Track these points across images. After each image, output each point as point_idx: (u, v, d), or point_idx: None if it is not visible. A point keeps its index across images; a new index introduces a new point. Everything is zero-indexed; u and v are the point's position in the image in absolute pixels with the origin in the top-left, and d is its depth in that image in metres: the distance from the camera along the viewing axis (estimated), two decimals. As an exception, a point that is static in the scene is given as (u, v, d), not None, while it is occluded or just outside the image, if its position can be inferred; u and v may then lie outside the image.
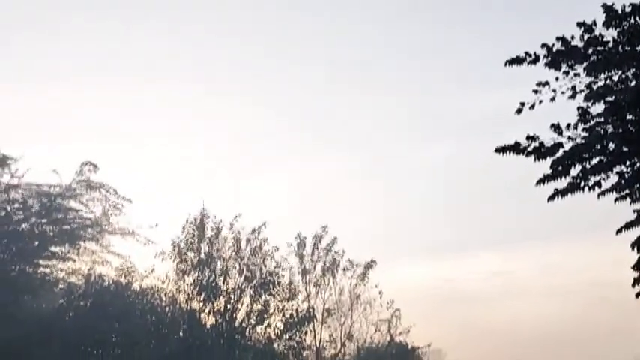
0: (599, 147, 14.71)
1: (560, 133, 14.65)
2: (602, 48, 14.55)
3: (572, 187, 14.92)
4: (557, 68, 14.89)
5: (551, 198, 15.02)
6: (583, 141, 14.70)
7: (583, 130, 14.69)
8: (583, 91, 14.86)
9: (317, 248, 44.64)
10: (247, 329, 37.67)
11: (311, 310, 41.67)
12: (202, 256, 37.45)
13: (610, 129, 14.69)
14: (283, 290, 39.08)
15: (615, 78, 14.70)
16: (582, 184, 14.88)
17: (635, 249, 15.27)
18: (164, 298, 36.71)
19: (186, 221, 37.95)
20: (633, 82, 14.58)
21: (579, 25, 14.56)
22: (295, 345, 38.63)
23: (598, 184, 14.91)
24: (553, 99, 14.86)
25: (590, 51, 14.60)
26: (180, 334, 36.45)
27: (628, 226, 15.31)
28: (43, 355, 28.40)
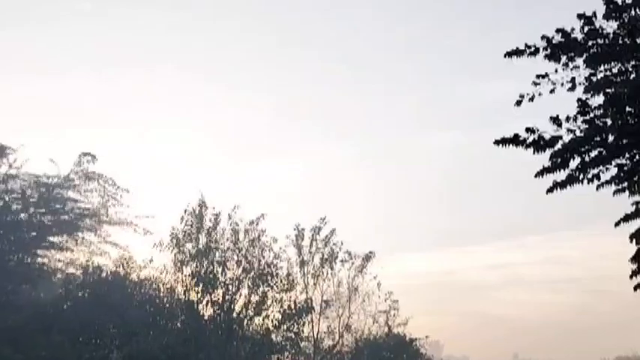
0: (598, 139, 14.71)
1: (560, 125, 14.64)
2: (602, 40, 14.53)
3: (571, 180, 14.93)
4: (557, 60, 14.86)
5: (550, 190, 15.04)
6: (582, 133, 14.69)
7: (582, 122, 14.68)
8: (583, 83, 14.83)
9: (315, 240, 44.62)
10: (245, 320, 37.68)
11: (309, 301, 41.71)
12: (200, 246, 37.42)
13: (609, 121, 14.68)
14: (281, 282, 39.10)
15: (615, 70, 14.68)
16: (581, 176, 14.89)
17: (634, 241, 15.30)
18: (162, 289, 36.73)
19: (185, 212, 37.93)
20: (633, 75, 14.57)
21: (579, 16, 14.53)
22: (293, 336, 38.69)
23: (597, 176, 14.92)
24: (553, 91, 14.84)
25: (590, 43, 14.58)
26: (178, 325, 36.49)
27: (627, 218, 15.34)
28: (42, 344, 28.43)
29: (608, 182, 15.02)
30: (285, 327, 38.28)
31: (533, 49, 14.88)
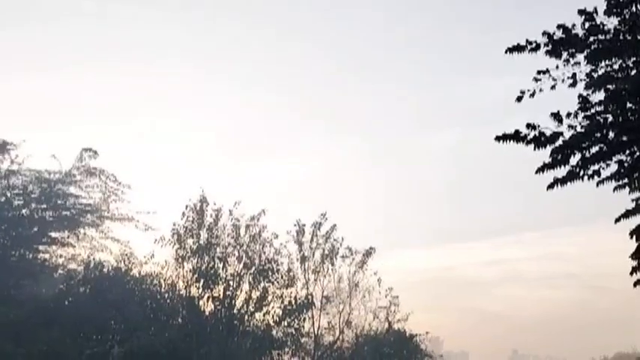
0: (599, 135, 14.73)
1: (561, 122, 14.66)
2: (603, 36, 14.55)
3: (572, 176, 14.96)
4: (558, 56, 14.88)
5: (551, 186, 15.07)
6: (583, 129, 14.71)
7: (583, 118, 14.71)
8: (583, 79, 14.85)
9: (316, 235, 44.65)
10: (246, 316, 37.74)
11: (310, 297, 41.75)
12: (202, 242, 37.47)
13: (610, 118, 14.70)
14: (282, 277, 39.16)
15: (616, 66, 14.70)
16: (582, 172, 14.91)
17: (634, 237, 15.33)
18: (163, 285, 36.78)
19: (186, 207, 37.98)
20: (634, 71, 14.59)
21: (580, 12, 14.55)
22: (294, 332, 38.75)
23: (597, 172, 14.95)
24: (554, 87, 14.87)
25: (591, 39, 14.60)
26: (179, 320, 36.55)
27: (627, 214, 15.37)
28: (43, 339, 28.49)
29: (608, 178, 15.05)
30: (285, 323, 38.35)
31: (534, 45, 14.91)
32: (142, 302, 34.05)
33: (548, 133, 14.71)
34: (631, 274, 15.80)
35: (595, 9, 14.43)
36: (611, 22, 14.47)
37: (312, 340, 43.63)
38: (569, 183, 15.00)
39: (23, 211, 31.71)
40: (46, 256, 32.69)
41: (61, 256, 33.10)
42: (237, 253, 38.12)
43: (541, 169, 14.89)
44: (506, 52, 14.96)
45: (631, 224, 15.44)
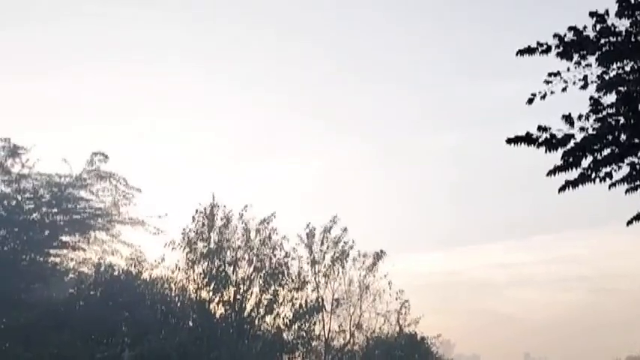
0: (610, 138, 14.64)
1: (572, 124, 14.58)
2: (615, 38, 14.46)
3: (583, 178, 14.87)
4: (569, 58, 14.80)
5: (562, 189, 14.97)
6: (594, 132, 14.63)
7: (595, 120, 14.62)
8: (595, 81, 14.77)
9: (326, 239, 44.66)
10: (256, 319, 37.80)
11: (320, 300, 41.81)
12: (212, 245, 37.55)
13: (622, 120, 14.62)
14: (292, 280, 39.21)
15: (627, 68, 14.61)
16: (593, 175, 14.82)
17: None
18: (174, 288, 36.86)
19: (196, 211, 38.07)
20: (645, 73, 14.51)
21: (592, 14, 14.47)
22: (304, 335, 38.79)
23: (609, 175, 14.84)
24: (564, 89, 14.79)
25: (602, 41, 14.51)
26: (190, 323, 36.60)
27: (638, 217, 15.26)
28: (54, 342, 28.57)
29: (620, 181, 14.95)
30: (296, 326, 38.38)
31: (545, 47, 14.83)
32: (152, 306, 34.12)
33: (559, 135, 14.64)
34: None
35: (606, 11, 14.35)
36: (623, 24, 14.39)
37: (322, 343, 43.66)
38: (580, 185, 14.93)
39: (34, 215, 31.80)
40: (57, 259, 32.77)
41: (71, 259, 33.20)
42: (247, 257, 38.20)
43: (552, 172, 14.81)
44: (517, 54, 14.88)
45: (643, 226, 15.33)
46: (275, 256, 38.84)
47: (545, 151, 14.70)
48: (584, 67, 14.75)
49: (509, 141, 14.78)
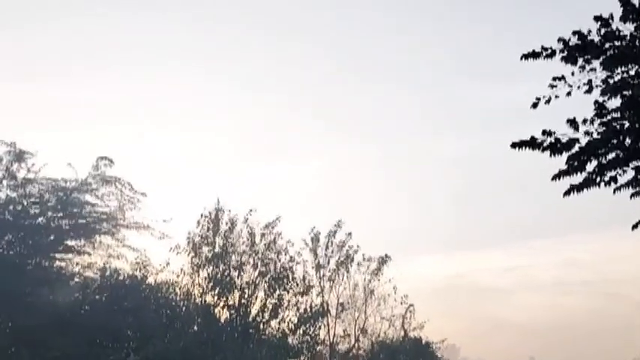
0: (615, 142, 14.64)
1: (577, 128, 14.58)
2: (620, 42, 14.47)
3: (588, 183, 14.87)
4: (574, 63, 14.81)
5: (567, 193, 14.97)
6: (599, 136, 14.63)
7: (599, 124, 14.62)
8: (599, 85, 14.78)
9: (331, 243, 44.70)
10: (261, 324, 37.80)
11: (325, 304, 41.87)
12: (217, 250, 37.60)
13: (627, 124, 14.62)
14: (297, 285, 39.22)
15: (632, 72, 14.62)
16: (598, 179, 14.82)
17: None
18: (179, 293, 36.89)
19: (201, 215, 38.12)
20: (650, 77, 14.50)
21: (596, 19, 14.48)
22: (309, 339, 38.78)
23: (614, 179, 14.84)
24: (569, 94, 14.80)
25: (607, 45, 14.52)
26: (195, 328, 36.62)
27: (644, 221, 15.24)
28: (59, 347, 28.59)
29: (625, 185, 14.95)
30: (301, 330, 38.38)
31: (549, 51, 14.84)
32: (157, 310, 34.14)
33: (564, 139, 14.64)
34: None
35: (611, 15, 14.37)
36: (627, 29, 14.40)
37: (327, 347, 43.69)
38: (585, 190, 14.93)
39: (40, 219, 31.86)
40: (63, 264, 32.80)
41: (77, 264, 33.21)
42: (252, 261, 38.22)
43: (557, 176, 14.81)
44: (521, 58, 14.91)
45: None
46: (280, 260, 38.88)
47: (550, 156, 14.71)
48: (588, 72, 14.76)
49: (513, 145, 14.80)
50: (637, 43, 14.46)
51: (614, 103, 14.72)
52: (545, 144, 14.67)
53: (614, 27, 14.48)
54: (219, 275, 37.03)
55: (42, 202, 31.93)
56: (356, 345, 45.96)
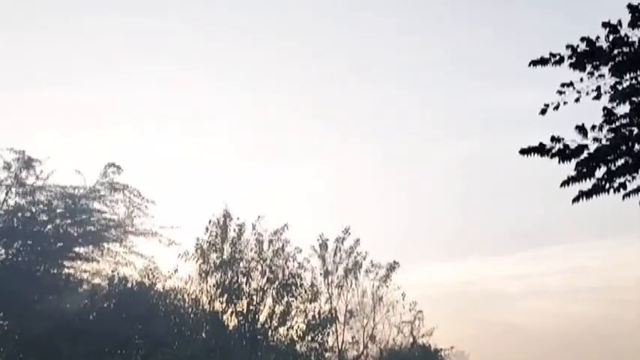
0: (624, 148, 14.57)
1: (585, 134, 14.52)
2: (628, 49, 14.42)
3: (597, 189, 14.80)
4: (582, 69, 14.76)
5: (576, 199, 14.90)
6: (608, 142, 14.57)
7: (608, 131, 14.56)
8: (608, 92, 14.73)
9: (339, 250, 44.65)
10: (270, 331, 37.71)
11: (333, 311, 41.74)
12: (225, 257, 37.55)
13: (635, 130, 14.55)
14: (305, 292, 39.11)
15: (641, 79, 14.56)
16: (607, 185, 14.75)
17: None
18: (187, 299, 36.84)
19: (209, 222, 38.09)
20: (659, 83, 14.44)
21: (604, 25, 14.43)
22: (318, 347, 38.64)
23: (623, 185, 14.76)
24: (577, 100, 14.75)
25: (615, 52, 14.47)
26: (203, 335, 36.56)
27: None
28: (67, 354, 28.61)
29: (634, 191, 14.87)
30: (309, 337, 38.25)
31: (557, 57, 14.80)
32: (165, 317, 34.12)
33: (573, 146, 14.59)
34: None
35: (619, 21, 14.32)
36: (636, 35, 14.35)
37: (336, 355, 43.55)
38: (594, 196, 14.86)
39: (48, 226, 31.94)
40: (71, 271, 32.88)
41: (85, 271, 33.30)
42: (260, 268, 38.15)
43: (566, 183, 14.75)
44: (529, 64, 14.87)
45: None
46: (288, 267, 38.81)
47: (559, 162, 14.65)
48: (597, 78, 14.71)
49: (522, 152, 14.74)
50: (646, 50, 14.40)
51: (623, 109, 14.66)
52: (554, 150, 14.62)
53: (622, 33, 14.43)
54: (227, 282, 36.99)
55: (50, 210, 32.02)
56: (364, 352, 45.84)
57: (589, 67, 14.72)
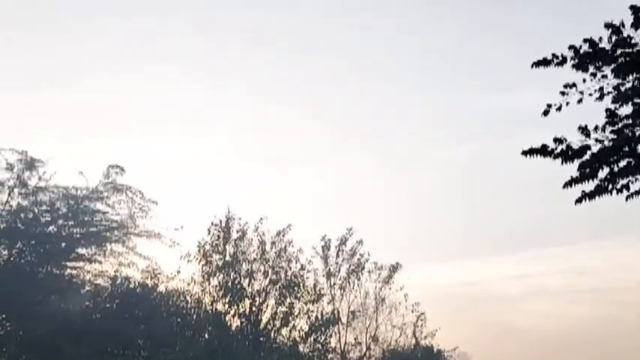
0: (627, 149, 14.55)
1: (588, 135, 14.51)
2: (631, 50, 14.40)
3: (600, 190, 14.78)
4: (585, 70, 14.74)
5: (579, 201, 14.89)
6: (611, 143, 14.55)
7: (611, 132, 14.55)
8: (611, 92, 14.71)
9: (342, 251, 44.65)
10: (272, 332, 37.73)
11: (336, 312, 41.70)
12: (228, 258, 37.57)
13: (638, 131, 14.53)
14: (308, 293, 39.14)
15: (644, 79, 14.54)
16: (610, 186, 14.73)
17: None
18: (189, 301, 36.85)
19: (212, 223, 38.12)
20: (662, 84, 14.42)
21: (607, 26, 14.41)
22: (320, 348, 38.67)
23: (626, 186, 14.75)
24: (580, 101, 14.73)
25: (618, 53, 14.45)
26: (206, 336, 36.58)
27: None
28: (70, 355, 28.61)
29: (637, 192, 14.85)
30: (312, 338, 38.28)
31: (560, 58, 14.78)
32: (168, 318, 34.13)
33: (575, 147, 14.57)
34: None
35: (622, 22, 14.30)
36: (639, 36, 14.34)
37: (338, 356, 43.57)
38: (597, 197, 14.84)
39: (51, 227, 31.95)
40: (74, 272, 32.87)
41: (88, 272, 33.28)
42: (263, 269, 38.18)
43: (569, 184, 14.73)
44: (532, 66, 14.85)
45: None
46: (291, 268, 38.83)
47: (562, 163, 14.64)
48: (599, 79, 14.69)
49: (524, 153, 14.73)
50: (648, 51, 14.39)
51: (626, 110, 14.65)
52: (556, 151, 14.60)
53: (625, 34, 14.41)
54: (229, 283, 37.00)
55: (53, 210, 32.03)
56: (367, 353, 45.84)
57: (592, 68, 14.70)
